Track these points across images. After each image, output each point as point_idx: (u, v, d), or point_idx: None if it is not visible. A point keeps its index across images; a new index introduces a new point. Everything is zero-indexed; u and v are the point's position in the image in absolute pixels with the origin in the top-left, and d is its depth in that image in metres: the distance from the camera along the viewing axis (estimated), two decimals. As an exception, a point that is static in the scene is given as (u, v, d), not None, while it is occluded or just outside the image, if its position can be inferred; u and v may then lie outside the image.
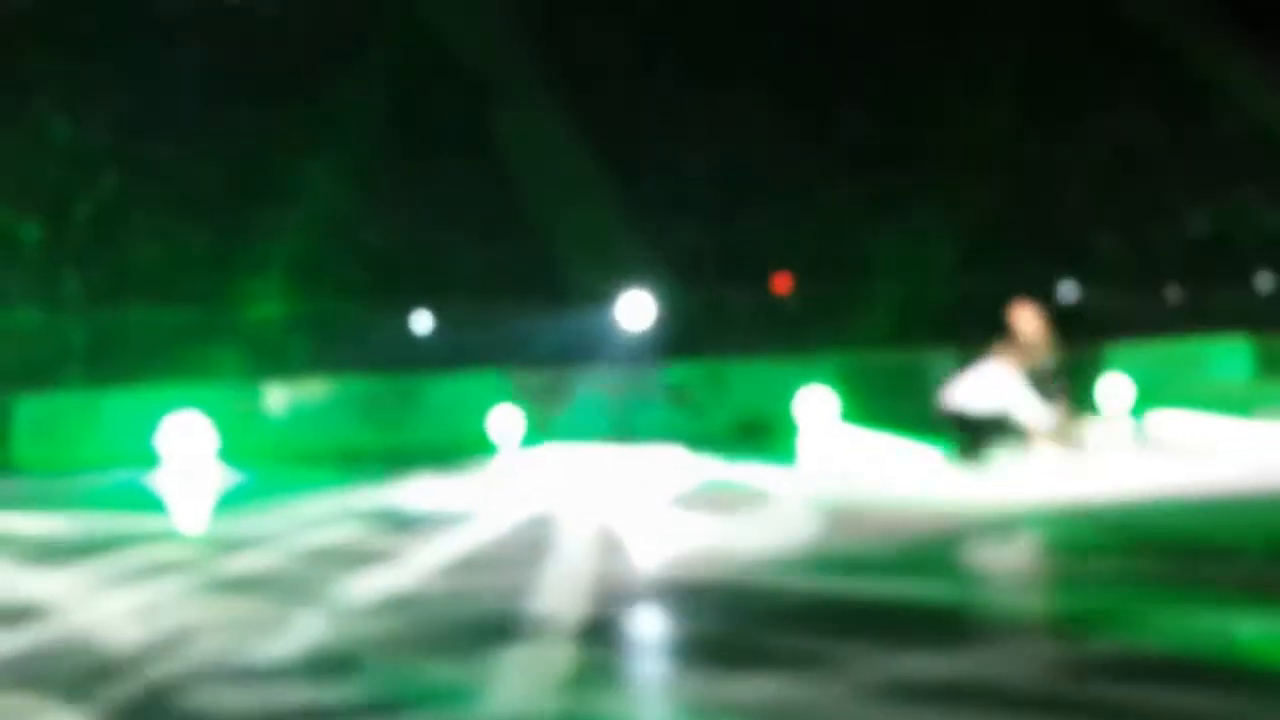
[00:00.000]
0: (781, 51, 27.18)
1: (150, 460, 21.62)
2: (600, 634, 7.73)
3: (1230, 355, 26.56)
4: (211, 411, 22.60)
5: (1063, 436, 15.55)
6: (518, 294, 24.51)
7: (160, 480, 19.67)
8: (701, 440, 21.34)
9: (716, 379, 24.44)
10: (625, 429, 22.65)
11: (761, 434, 22.73)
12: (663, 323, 25.27)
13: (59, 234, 24.38)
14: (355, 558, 10.69)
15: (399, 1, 24.98)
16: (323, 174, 24.06)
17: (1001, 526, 11.45)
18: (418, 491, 16.14)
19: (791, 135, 26.60)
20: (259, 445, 22.31)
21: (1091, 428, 17.75)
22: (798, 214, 26.47)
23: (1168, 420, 21.55)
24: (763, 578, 9.24)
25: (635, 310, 25.17)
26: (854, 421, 22.99)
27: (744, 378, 24.49)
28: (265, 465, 20.52)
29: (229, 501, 16.99)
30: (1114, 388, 24.59)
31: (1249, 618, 7.41)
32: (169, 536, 13.66)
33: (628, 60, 26.11)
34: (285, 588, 9.54)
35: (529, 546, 10.89)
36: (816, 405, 24.01)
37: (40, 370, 23.59)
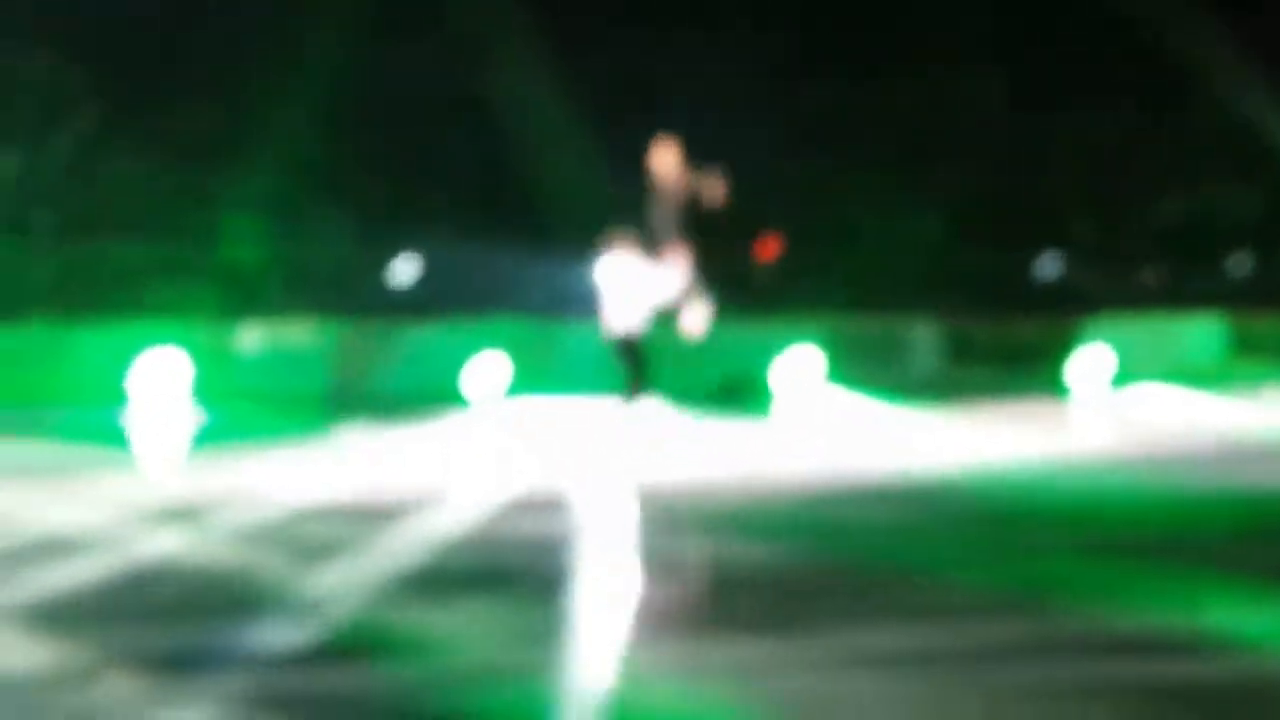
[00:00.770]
0: (766, 17, 26.93)
1: (121, 396, 21.13)
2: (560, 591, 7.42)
3: (1205, 334, 26.59)
4: (186, 350, 22.09)
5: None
6: (504, 240, 24.12)
7: (130, 417, 19.26)
8: (682, 396, 20.98)
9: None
10: (608, 383, 22.25)
11: (742, 393, 22.40)
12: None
13: (33, 167, 23.81)
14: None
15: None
16: (303, 115, 23.58)
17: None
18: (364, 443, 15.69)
19: (772, 97, 26.39)
20: (231, 385, 21.81)
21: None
22: (781, 177, 26.22)
23: (1143, 393, 21.56)
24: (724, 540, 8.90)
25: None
26: (838, 384, 22.78)
27: (727, 337, 24.11)
28: (235, 405, 20.05)
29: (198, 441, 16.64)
30: (1094, 359, 24.44)
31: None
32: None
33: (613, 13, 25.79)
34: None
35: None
36: (800, 366, 23.70)
37: (8, 303, 23.02)
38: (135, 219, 23.59)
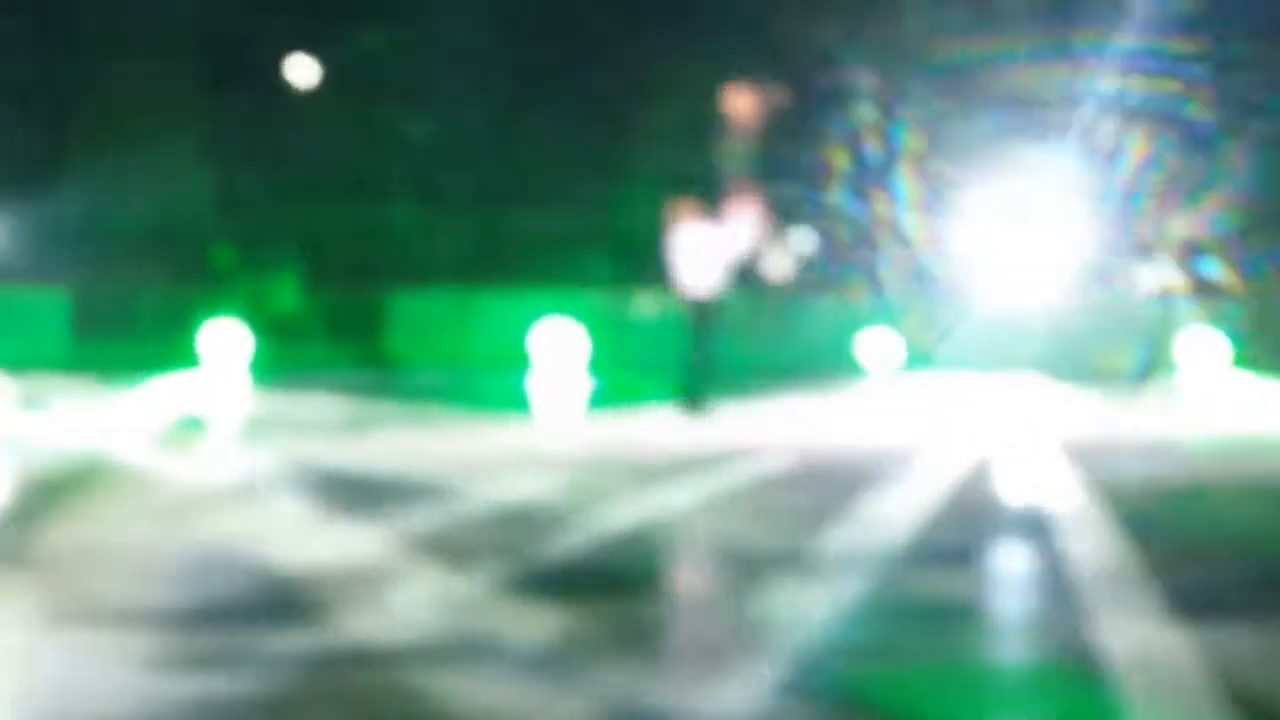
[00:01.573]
0: None
1: (521, 362, 21.78)
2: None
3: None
4: (582, 317, 22.61)
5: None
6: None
7: (530, 382, 19.85)
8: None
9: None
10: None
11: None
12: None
13: (446, 134, 24.69)
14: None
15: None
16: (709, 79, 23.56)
17: None
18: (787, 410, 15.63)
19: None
20: (625, 354, 22.16)
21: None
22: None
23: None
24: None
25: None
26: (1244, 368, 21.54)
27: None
28: (629, 374, 20.36)
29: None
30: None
31: None
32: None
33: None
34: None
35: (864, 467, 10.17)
36: (1207, 349, 22.46)
37: (418, 268, 24.03)
38: (543, 187, 24.17)
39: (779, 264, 13.74)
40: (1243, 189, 24.16)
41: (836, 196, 25.50)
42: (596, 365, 21.74)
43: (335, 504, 8.35)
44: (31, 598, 5.75)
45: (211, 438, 12.99)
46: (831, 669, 4.84)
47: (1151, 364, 20.05)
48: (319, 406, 15.28)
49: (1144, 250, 22.69)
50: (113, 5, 24.19)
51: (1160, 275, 20.29)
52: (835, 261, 24.77)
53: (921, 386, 19.46)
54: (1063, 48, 24.27)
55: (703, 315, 13.30)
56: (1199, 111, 24.15)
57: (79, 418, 13.42)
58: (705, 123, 22.24)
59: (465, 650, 4.97)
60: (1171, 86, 24.10)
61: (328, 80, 24.72)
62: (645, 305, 22.94)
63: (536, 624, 5.42)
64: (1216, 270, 23.14)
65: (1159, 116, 24.20)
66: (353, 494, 8.86)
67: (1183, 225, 22.28)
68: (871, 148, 25.50)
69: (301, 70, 24.25)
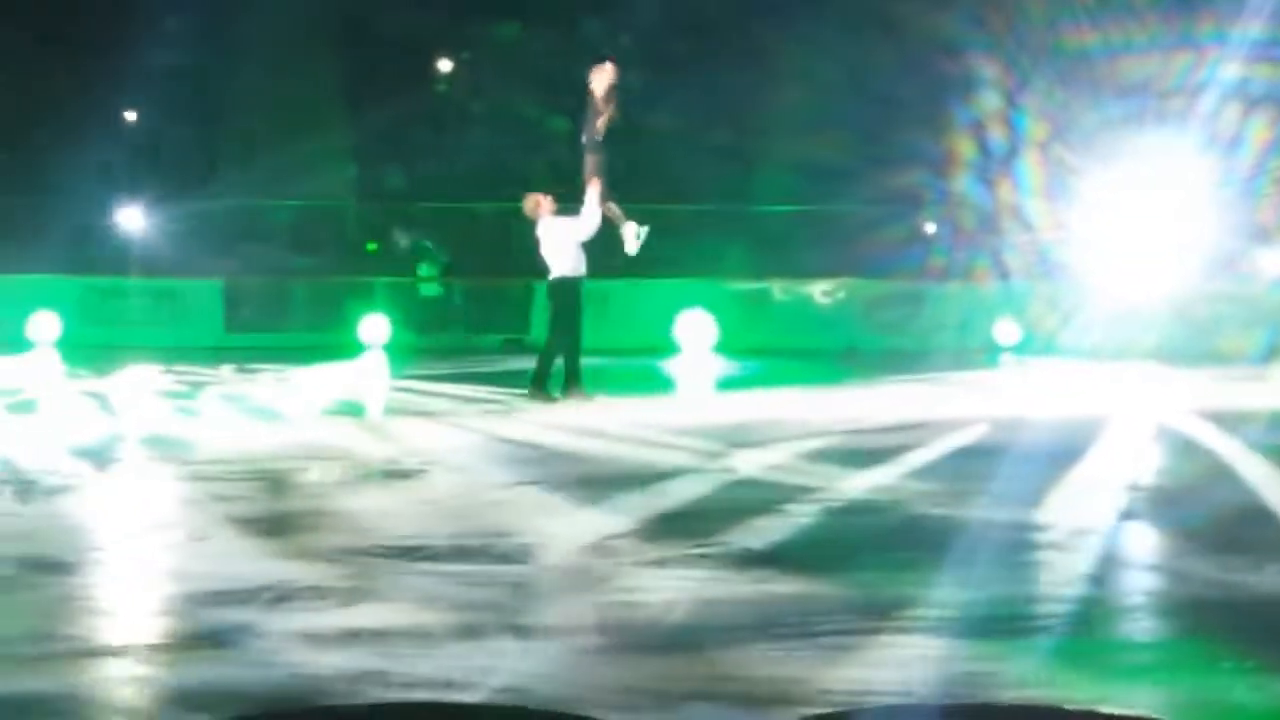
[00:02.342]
0: None
1: (657, 348, 22.21)
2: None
3: None
4: (715, 305, 23.10)
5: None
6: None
7: (672, 367, 20.31)
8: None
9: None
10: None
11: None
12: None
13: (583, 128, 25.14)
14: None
15: None
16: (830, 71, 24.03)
17: None
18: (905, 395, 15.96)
19: None
20: (759, 340, 22.60)
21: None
22: None
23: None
24: None
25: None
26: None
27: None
28: (763, 359, 20.68)
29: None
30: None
31: None
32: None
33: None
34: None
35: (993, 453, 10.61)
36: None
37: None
38: (675, 177, 24.64)
39: (630, 241, 14.09)
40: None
41: (961, 183, 25.84)
42: (734, 351, 22.16)
43: (528, 473, 8.98)
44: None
45: (380, 417, 13.58)
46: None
47: (1276, 347, 20.31)
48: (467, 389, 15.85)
49: (1266, 235, 22.85)
50: (262, 7, 24.91)
51: None
52: (960, 247, 25.09)
53: (1052, 369, 19.75)
54: (1186, 36, 24.40)
55: (562, 299, 13.52)
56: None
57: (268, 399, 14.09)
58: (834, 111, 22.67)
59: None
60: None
61: (469, 76, 25.33)
62: (822, 292, 23.48)
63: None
64: None
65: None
66: (542, 462, 9.52)
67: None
68: (996, 135, 25.79)
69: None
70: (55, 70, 26.40)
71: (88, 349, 21.02)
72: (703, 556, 6.75)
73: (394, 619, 5.58)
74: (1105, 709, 4.43)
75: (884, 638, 5.32)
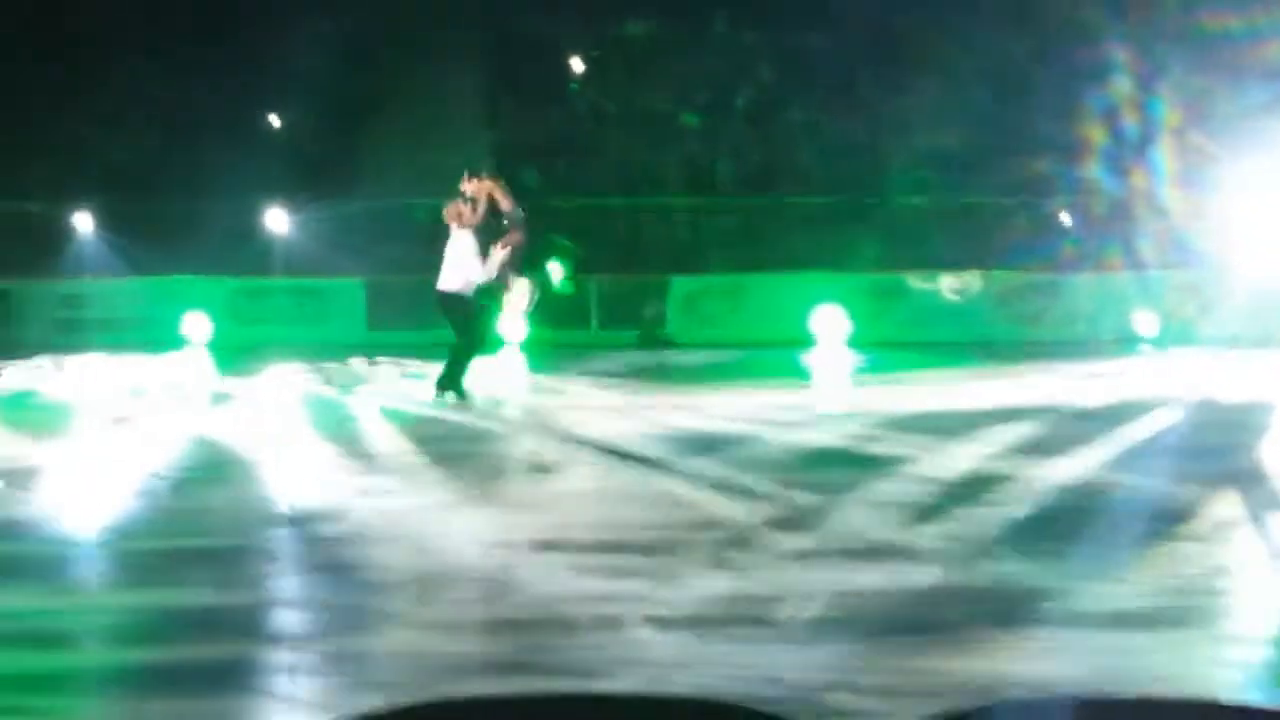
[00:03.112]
0: None
1: (793, 341, 22.34)
2: None
3: None
4: (849, 298, 23.20)
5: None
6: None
7: (809, 359, 20.45)
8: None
9: None
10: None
11: None
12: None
13: (715, 123, 25.44)
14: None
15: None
16: (966, 66, 23.97)
17: None
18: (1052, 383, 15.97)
19: None
20: (892, 332, 22.64)
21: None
22: None
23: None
24: None
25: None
26: None
27: None
28: (896, 351, 20.66)
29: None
30: None
31: None
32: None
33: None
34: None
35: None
36: None
37: (691, 252, 24.84)
38: (808, 171, 24.77)
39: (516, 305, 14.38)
40: None
41: (1095, 172, 25.65)
42: (867, 344, 22.20)
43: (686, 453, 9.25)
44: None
45: (519, 411, 13.94)
46: None
47: None
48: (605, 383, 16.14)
49: None
50: (401, 10, 25.40)
51: None
52: (1095, 237, 24.93)
53: (1194, 359, 19.57)
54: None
55: (456, 313, 13.77)
56: None
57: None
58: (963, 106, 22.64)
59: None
60: None
61: (602, 74, 25.64)
62: (954, 286, 23.48)
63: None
64: None
65: None
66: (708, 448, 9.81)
67: None
68: (1130, 122, 25.57)
69: None
70: (204, 76, 27.10)
71: (236, 348, 21.66)
72: (843, 550, 6.93)
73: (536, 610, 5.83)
74: (1260, 704, 4.49)
75: (1025, 629, 5.46)
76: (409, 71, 25.49)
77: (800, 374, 18.43)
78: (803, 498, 8.20)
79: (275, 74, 27.23)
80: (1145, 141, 25.48)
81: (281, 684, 5.05)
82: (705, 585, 6.22)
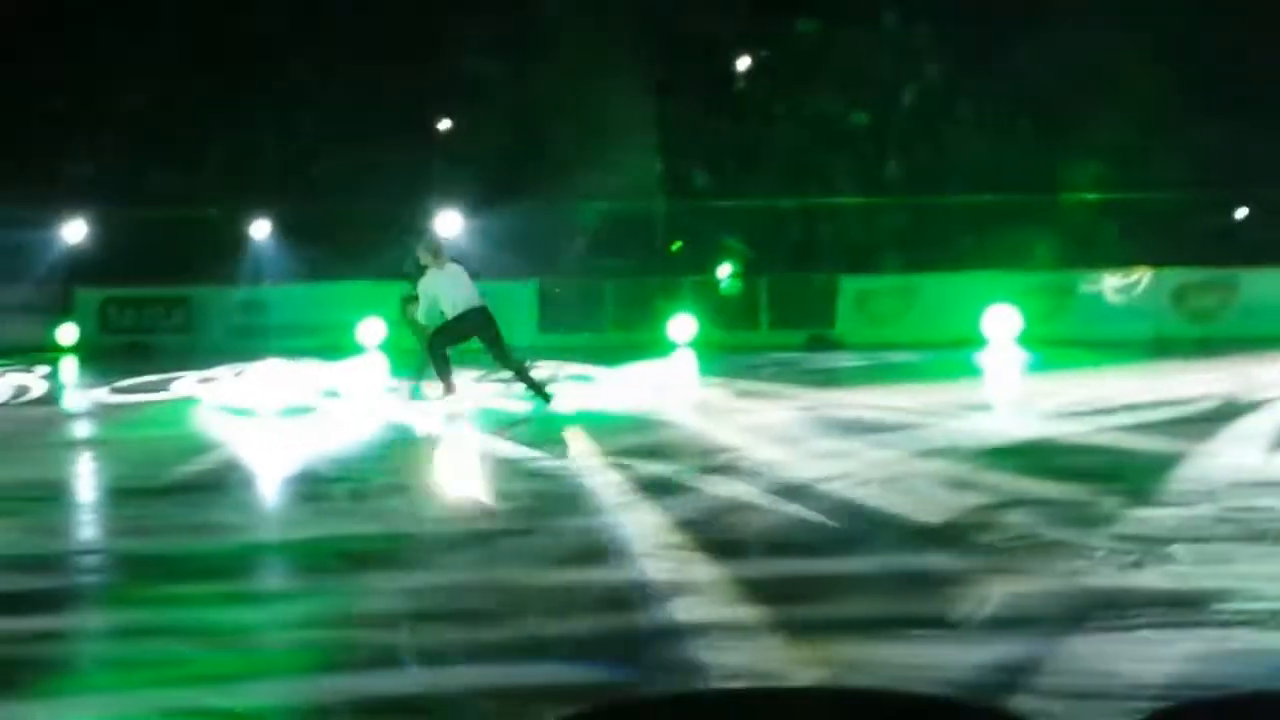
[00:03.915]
0: None
1: (965, 341, 22.20)
2: None
3: None
4: (1021, 297, 23.00)
5: None
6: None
7: (982, 360, 20.38)
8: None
9: None
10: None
11: None
12: None
13: (884, 121, 25.36)
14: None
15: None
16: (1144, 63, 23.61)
17: None
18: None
19: None
20: (1064, 331, 22.42)
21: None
22: None
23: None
24: None
25: None
26: None
27: None
28: (1069, 349, 20.43)
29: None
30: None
31: None
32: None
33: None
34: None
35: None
36: None
37: (863, 251, 24.79)
38: (981, 168, 24.56)
39: None
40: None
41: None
42: (1039, 342, 21.97)
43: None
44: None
45: (693, 413, 14.18)
46: None
47: None
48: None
49: None
50: (568, 11, 25.67)
51: None
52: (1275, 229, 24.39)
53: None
54: None
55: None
56: None
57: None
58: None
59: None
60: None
61: (770, 73, 25.70)
62: (1121, 283, 23.20)
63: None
64: None
65: None
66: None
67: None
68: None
69: None
70: (377, 80, 27.61)
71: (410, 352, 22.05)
72: (1013, 548, 7.01)
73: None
74: None
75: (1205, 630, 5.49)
76: (577, 73, 25.73)
77: (976, 373, 18.36)
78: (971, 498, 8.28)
79: (446, 77, 27.66)
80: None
81: None
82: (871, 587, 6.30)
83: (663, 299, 24.26)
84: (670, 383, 17.88)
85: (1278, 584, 6.21)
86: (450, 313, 14.88)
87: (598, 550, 7.39)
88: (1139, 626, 5.60)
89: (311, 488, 9.83)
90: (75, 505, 9.72)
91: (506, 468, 10.47)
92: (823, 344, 22.96)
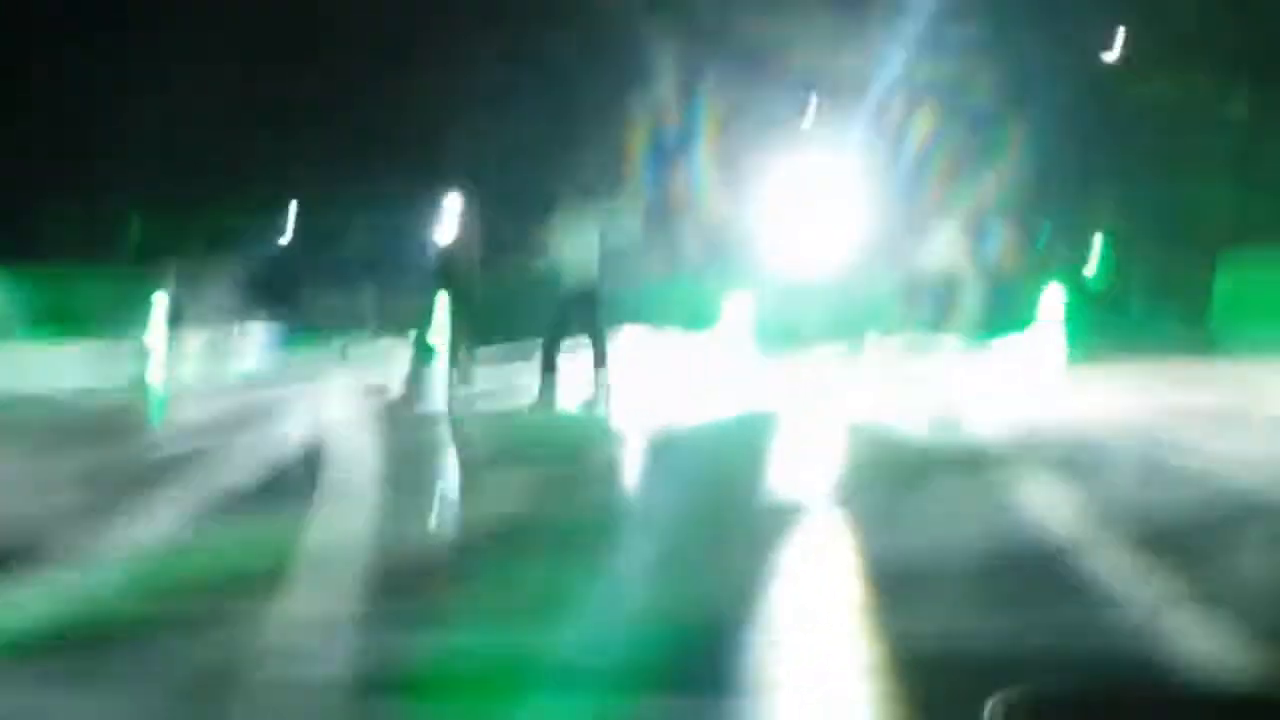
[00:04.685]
0: None
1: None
2: None
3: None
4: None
5: None
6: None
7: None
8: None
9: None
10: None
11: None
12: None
13: (1263, 105, 24.55)
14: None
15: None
16: None
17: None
18: None
19: None
20: None
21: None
22: None
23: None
24: None
25: None
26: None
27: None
28: None
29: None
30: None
31: None
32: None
33: None
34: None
35: None
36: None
37: (1236, 240, 24.02)
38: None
39: None
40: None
41: None
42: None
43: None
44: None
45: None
46: None
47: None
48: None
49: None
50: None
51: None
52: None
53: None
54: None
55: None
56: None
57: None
58: None
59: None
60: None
61: (1145, 59, 25.20)
62: None
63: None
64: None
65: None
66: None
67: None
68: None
69: None
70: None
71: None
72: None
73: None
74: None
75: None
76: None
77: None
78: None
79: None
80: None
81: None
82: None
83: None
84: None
85: None
86: None
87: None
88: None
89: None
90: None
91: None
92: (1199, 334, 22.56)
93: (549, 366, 15.01)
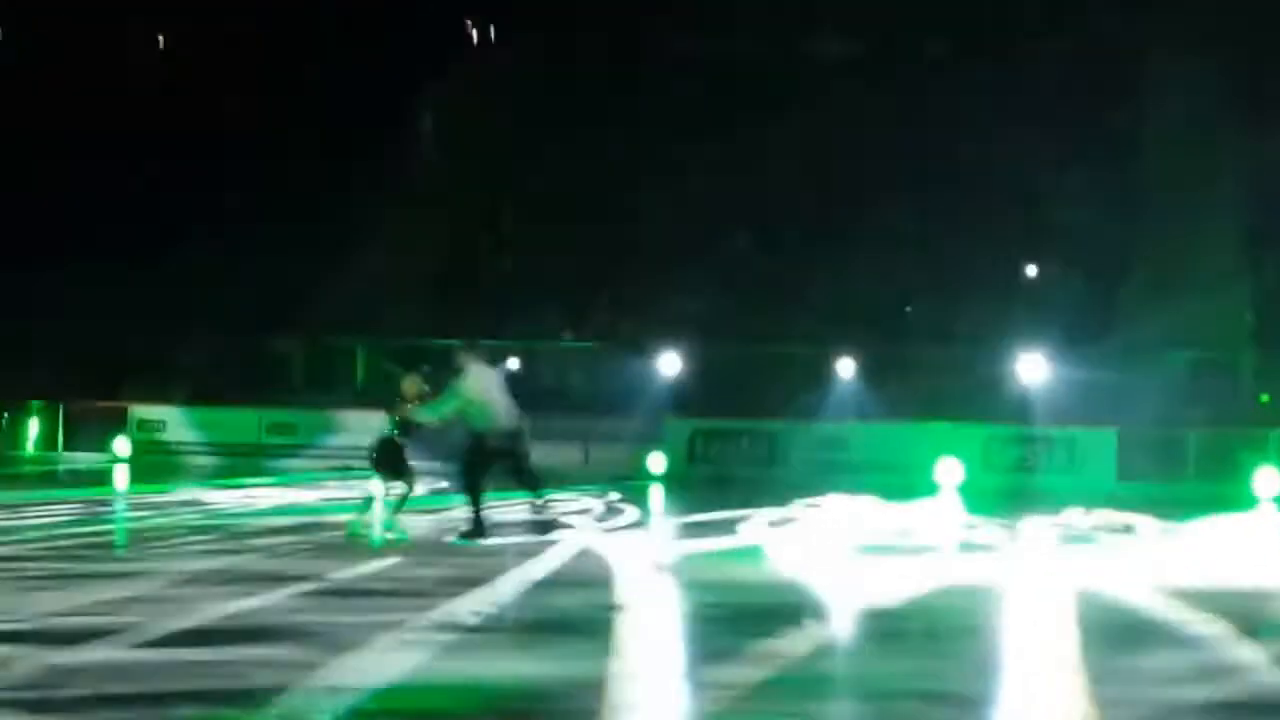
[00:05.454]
0: None
1: None
2: None
3: None
4: None
5: None
6: None
7: None
8: None
9: None
10: None
11: None
12: None
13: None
14: None
15: None
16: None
17: None
18: None
19: None
20: None
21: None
22: None
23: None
24: None
25: None
26: None
27: None
28: None
29: None
30: None
31: None
32: None
33: None
34: None
35: None
36: None
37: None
38: None
39: None
40: None
41: None
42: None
43: None
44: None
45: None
46: None
47: None
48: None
49: None
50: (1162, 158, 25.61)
51: None
52: None
53: None
54: None
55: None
56: None
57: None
58: None
59: None
60: None
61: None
62: None
63: None
64: None
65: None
66: None
67: None
68: None
69: None
70: (964, 223, 28.40)
71: (986, 494, 22.37)
72: None
73: None
74: None
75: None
76: (1164, 219, 25.59)
77: None
78: None
79: (1035, 225, 28.12)
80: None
81: None
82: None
83: (1248, 451, 23.66)
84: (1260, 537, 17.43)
85: None
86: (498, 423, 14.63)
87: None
88: None
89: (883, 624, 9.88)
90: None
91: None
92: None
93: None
